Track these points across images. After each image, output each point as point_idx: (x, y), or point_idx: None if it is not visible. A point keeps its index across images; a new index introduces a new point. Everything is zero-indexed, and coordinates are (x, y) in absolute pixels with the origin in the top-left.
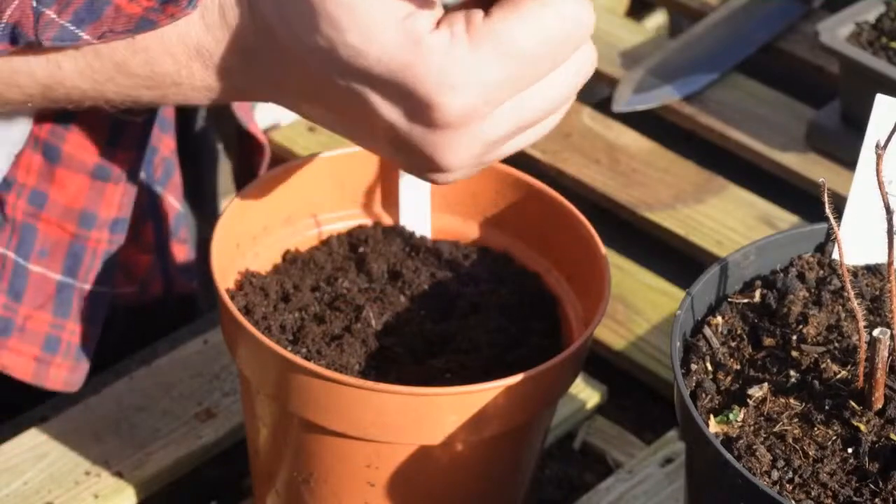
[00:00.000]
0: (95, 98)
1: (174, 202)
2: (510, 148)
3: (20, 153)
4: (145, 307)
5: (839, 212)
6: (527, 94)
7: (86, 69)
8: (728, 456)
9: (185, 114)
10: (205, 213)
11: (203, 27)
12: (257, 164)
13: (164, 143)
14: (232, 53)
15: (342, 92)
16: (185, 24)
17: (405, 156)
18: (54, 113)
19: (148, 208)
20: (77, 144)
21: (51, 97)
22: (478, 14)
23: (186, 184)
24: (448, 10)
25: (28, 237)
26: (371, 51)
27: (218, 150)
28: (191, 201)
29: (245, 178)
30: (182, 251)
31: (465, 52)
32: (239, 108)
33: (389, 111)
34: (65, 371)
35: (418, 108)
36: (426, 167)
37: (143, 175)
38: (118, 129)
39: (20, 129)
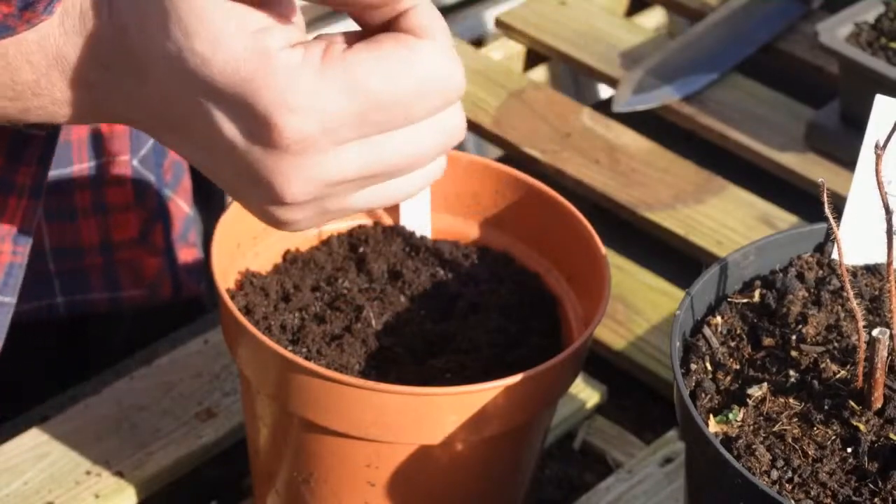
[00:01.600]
0: None
1: (184, 205)
2: (359, 200)
3: None
4: (151, 312)
5: (838, 212)
6: (377, 140)
7: None
8: (727, 455)
9: None
10: (213, 218)
11: (62, 33)
12: None
13: None
14: (89, 61)
15: (187, 106)
16: (44, 29)
17: (246, 183)
18: None
19: (157, 211)
20: None
21: None
22: (339, 44)
23: (196, 187)
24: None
25: None
26: (216, 59)
27: None
28: (200, 204)
29: None
30: (191, 254)
31: (312, 77)
32: None
33: (229, 127)
34: None
35: (256, 125)
36: (266, 197)
37: (152, 178)
38: (19, 143)
39: None
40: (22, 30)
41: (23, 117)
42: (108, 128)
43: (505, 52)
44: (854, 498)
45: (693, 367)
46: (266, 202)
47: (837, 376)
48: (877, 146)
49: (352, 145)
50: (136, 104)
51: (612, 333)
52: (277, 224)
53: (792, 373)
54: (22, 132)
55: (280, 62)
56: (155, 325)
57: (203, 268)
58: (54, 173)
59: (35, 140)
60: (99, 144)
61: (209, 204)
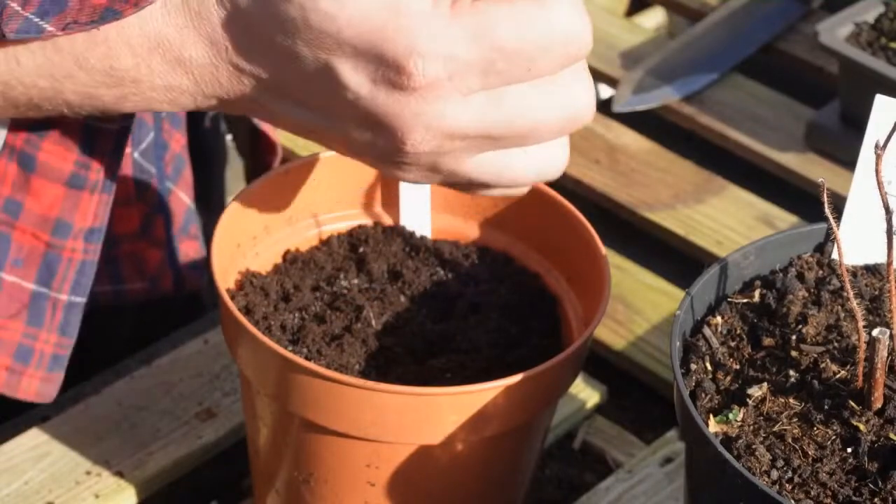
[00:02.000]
0: (54, 98)
1: (185, 198)
2: (473, 166)
3: None
4: (153, 305)
5: (838, 212)
6: (500, 93)
7: (45, 64)
8: (727, 455)
9: (195, 113)
10: (213, 212)
11: (164, 14)
12: (270, 164)
13: (175, 139)
14: (192, 39)
15: (310, 65)
16: (147, 14)
17: (366, 134)
18: (29, 122)
19: (158, 204)
20: (52, 153)
21: (9, 96)
22: None
23: (196, 183)
24: None
25: (2, 246)
26: (343, 14)
27: (227, 150)
28: (199, 201)
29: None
30: (192, 247)
31: (443, 24)
32: None
33: (356, 78)
34: (37, 381)
35: (386, 71)
36: (387, 146)
37: (153, 171)
38: (92, 137)
39: None
40: (129, 13)
41: (118, 106)
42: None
43: None
44: (854, 498)
45: (693, 367)
46: (385, 151)
47: (837, 376)
48: (877, 146)
49: (476, 96)
50: (243, 77)
51: (612, 333)
52: (393, 172)
53: (792, 373)
54: (93, 126)
55: (411, 9)
56: (155, 323)
57: (205, 261)
58: None
59: (106, 134)
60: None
61: (209, 200)
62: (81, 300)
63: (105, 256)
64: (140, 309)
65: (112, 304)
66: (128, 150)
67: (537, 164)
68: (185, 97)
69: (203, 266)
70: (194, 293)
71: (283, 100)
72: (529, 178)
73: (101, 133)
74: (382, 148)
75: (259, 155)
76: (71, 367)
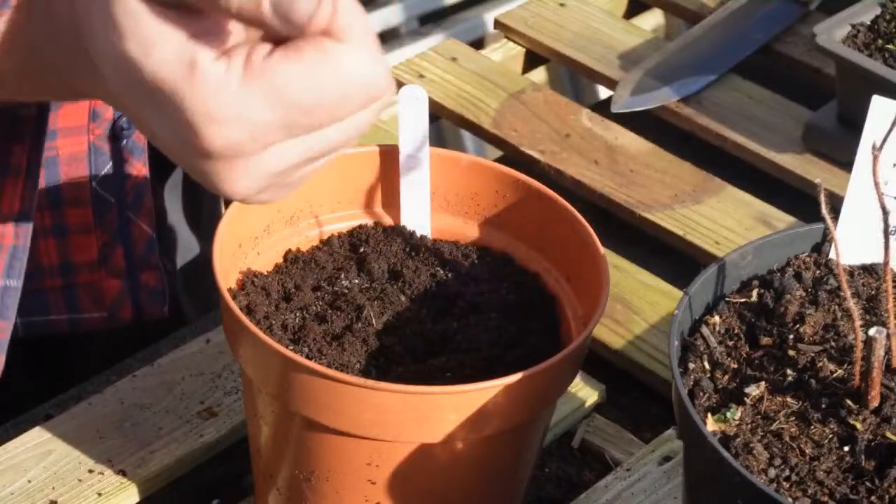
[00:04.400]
0: None
1: (146, 227)
2: (304, 174)
3: None
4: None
5: (836, 212)
6: (308, 137)
7: None
8: (725, 454)
9: None
10: (203, 233)
11: (28, 20)
12: None
13: (135, 168)
14: (55, 47)
15: (133, 102)
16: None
17: (199, 178)
18: None
19: (118, 233)
20: None
21: None
22: (260, 50)
23: (186, 203)
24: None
25: None
26: (147, 63)
27: None
28: (189, 221)
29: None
30: (152, 277)
31: (235, 88)
32: None
33: (165, 131)
34: None
35: (186, 135)
36: (224, 193)
37: (113, 200)
38: (10, 123)
39: None
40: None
41: (14, 98)
42: (67, 150)
43: (504, 54)
44: (851, 496)
45: (691, 366)
46: (226, 196)
47: (834, 375)
48: (874, 147)
49: (285, 143)
50: (98, 93)
51: (611, 333)
52: (253, 204)
53: (789, 372)
54: (11, 113)
55: (206, 74)
56: (132, 340)
57: (167, 290)
58: None
59: (26, 120)
60: (55, 167)
61: (198, 221)
62: (16, 284)
63: (62, 285)
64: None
65: (68, 332)
66: (85, 179)
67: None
68: (64, 94)
69: (165, 295)
70: (178, 311)
71: (135, 122)
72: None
73: (20, 119)
74: (221, 193)
75: None
76: (64, 367)
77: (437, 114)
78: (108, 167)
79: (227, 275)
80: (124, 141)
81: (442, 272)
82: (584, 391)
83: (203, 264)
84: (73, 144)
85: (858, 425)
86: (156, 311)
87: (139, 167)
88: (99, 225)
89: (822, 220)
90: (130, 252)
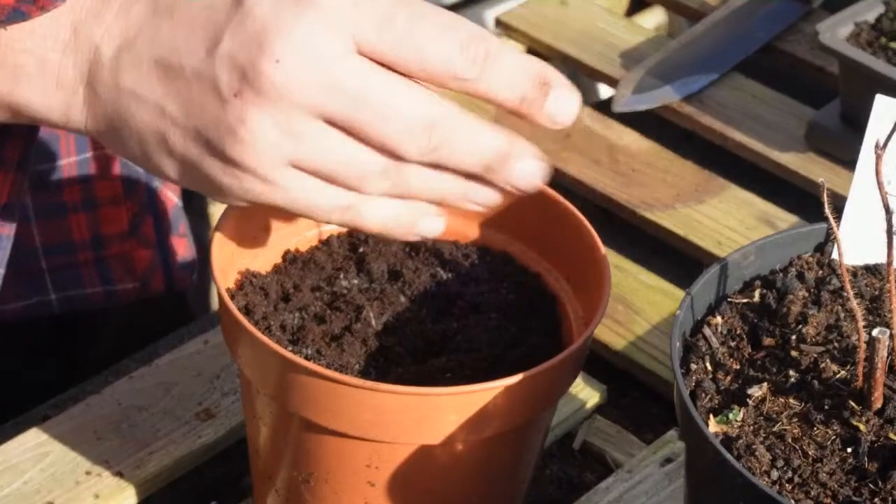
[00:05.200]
0: None
1: (172, 196)
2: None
3: None
4: (138, 309)
5: (839, 212)
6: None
7: None
8: (727, 456)
9: None
10: (193, 207)
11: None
12: None
13: None
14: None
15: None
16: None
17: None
18: None
19: (147, 203)
20: None
21: None
22: None
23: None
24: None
25: None
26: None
27: None
28: (185, 201)
29: None
30: (181, 245)
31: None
32: None
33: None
34: None
35: (246, 51)
36: (223, 141)
37: (140, 169)
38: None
39: None
40: (36, 15)
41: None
42: None
43: None
44: (854, 498)
45: (693, 367)
46: (230, 152)
47: (837, 376)
48: (877, 146)
49: (342, 137)
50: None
51: (612, 333)
52: (225, 201)
53: (792, 373)
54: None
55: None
56: (141, 328)
57: (194, 260)
58: (43, 167)
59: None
60: (84, 138)
61: (189, 196)
62: (1, 271)
63: (94, 258)
64: (125, 312)
65: (103, 305)
66: None
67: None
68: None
69: (193, 264)
70: (180, 297)
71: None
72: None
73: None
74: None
75: None
76: (57, 373)
77: None
78: None
79: (225, 275)
80: None
81: (442, 272)
82: (585, 392)
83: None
84: None
85: (861, 427)
86: (185, 281)
87: None
88: (128, 196)
89: (825, 219)
90: (159, 221)
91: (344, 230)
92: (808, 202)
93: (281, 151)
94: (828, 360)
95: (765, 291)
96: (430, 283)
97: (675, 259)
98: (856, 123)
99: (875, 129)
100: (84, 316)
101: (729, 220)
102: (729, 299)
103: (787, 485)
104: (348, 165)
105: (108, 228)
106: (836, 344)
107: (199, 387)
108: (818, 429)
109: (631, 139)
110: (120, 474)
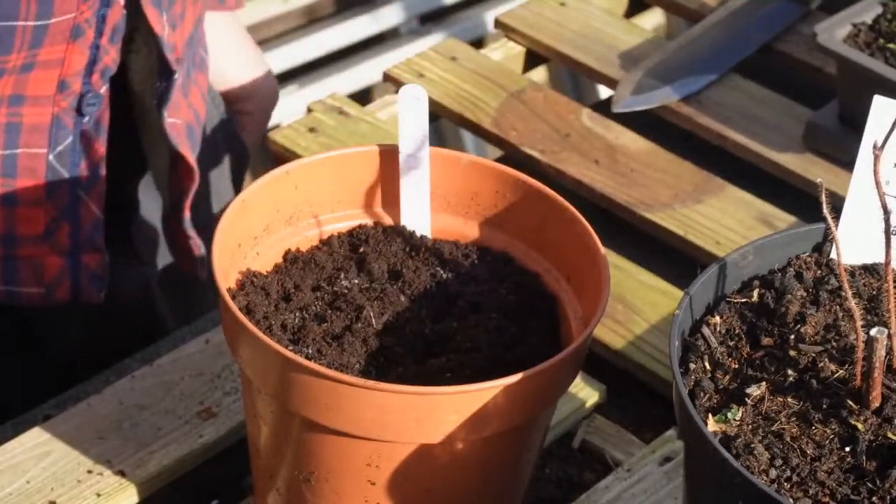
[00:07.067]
0: None
1: (94, 209)
2: None
3: None
4: (103, 315)
5: (837, 212)
6: None
7: None
8: (726, 454)
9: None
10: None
11: None
12: (187, 190)
13: (95, 146)
14: None
15: None
16: None
17: None
18: None
19: (67, 210)
20: None
21: None
22: None
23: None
24: None
25: None
26: None
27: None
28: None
29: (175, 202)
30: (94, 260)
31: None
32: (172, 127)
33: None
34: None
35: None
36: None
37: (67, 176)
38: None
39: None
40: None
41: None
42: (31, 119)
43: (505, 53)
44: (852, 496)
45: (692, 366)
46: None
47: (836, 376)
48: (875, 146)
49: None
50: None
51: (612, 333)
52: None
53: (790, 372)
54: None
55: None
56: (105, 335)
57: (105, 275)
58: None
59: None
60: (16, 134)
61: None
62: None
63: (3, 256)
64: (88, 317)
65: (3, 303)
66: (44, 150)
67: None
68: None
69: (104, 280)
70: (152, 312)
71: None
72: None
73: None
74: None
75: (176, 181)
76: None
77: (437, 113)
78: (67, 141)
79: (226, 275)
80: (87, 117)
81: (442, 272)
82: (585, 391)
83: (181, 274)
84: (38, 114)
85: (860, 426)
86: (92, 296)
87: (98, 146)
88: (49, 199)
89: (823, 219)
90: (76, 231)
91: (344, 230)
92: (806, 202)
93: None
94: (826, 360)
95: (763, 291)
96: (430, 283)
97: (674, 259)
98: (854, 124)
99: (873, 130)
100: (43, 315)
101: (727, 220)
102: (728, 299)
103: (785, 483)
104: None
105: (23, 229)
106: (834, 343)
107: (200, 386)
108: (816, 428)
109: (630, 139)
110: (121, 473)
